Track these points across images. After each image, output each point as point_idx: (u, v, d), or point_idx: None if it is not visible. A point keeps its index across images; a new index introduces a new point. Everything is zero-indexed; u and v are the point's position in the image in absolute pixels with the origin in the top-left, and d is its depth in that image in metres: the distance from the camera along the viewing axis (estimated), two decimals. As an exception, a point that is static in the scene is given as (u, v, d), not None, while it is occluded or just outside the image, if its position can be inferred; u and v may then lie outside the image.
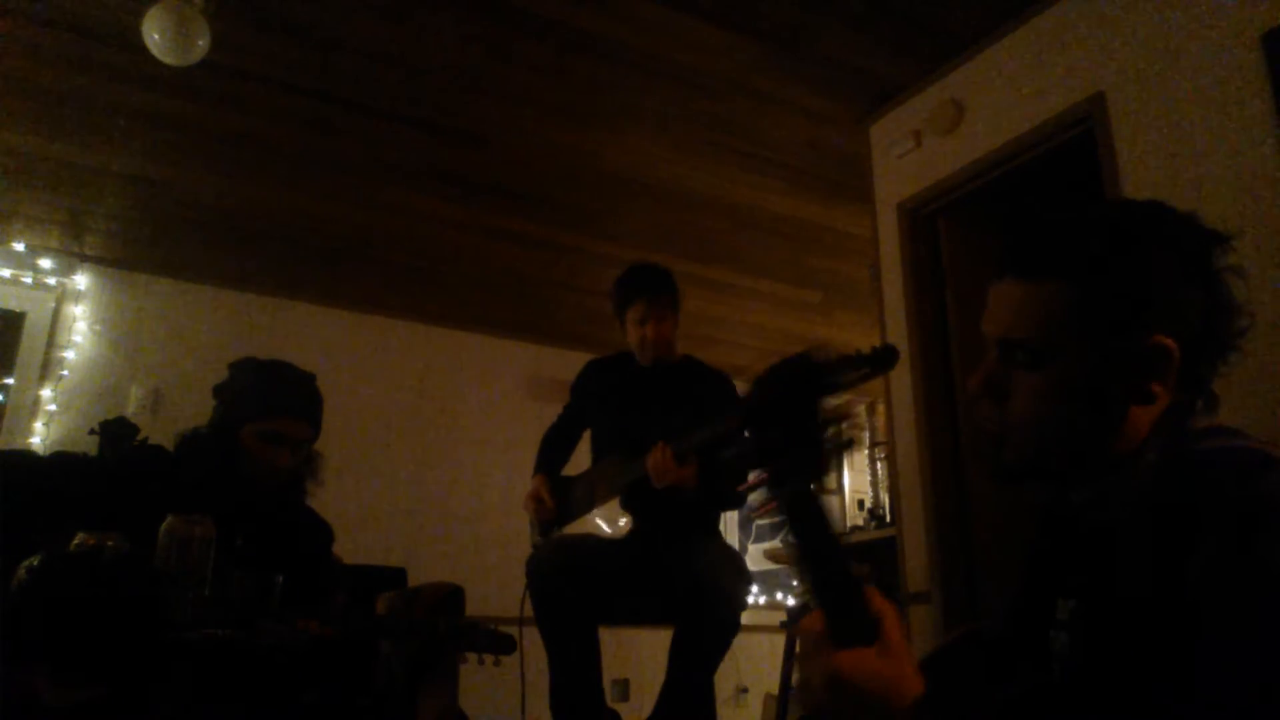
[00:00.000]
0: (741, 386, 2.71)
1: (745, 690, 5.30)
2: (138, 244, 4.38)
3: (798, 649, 0.75)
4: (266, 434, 1.90)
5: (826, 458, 0.75)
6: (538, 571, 2.40)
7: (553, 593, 2.35)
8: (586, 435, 2.80)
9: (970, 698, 0.83)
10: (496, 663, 1.79)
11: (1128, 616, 0.72)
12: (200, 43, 2.71)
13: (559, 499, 2.61)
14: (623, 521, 2.71)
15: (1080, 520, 0.89)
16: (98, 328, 4.46)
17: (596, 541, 2.64)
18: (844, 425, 0.78)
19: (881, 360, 2.03)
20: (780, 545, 5.26)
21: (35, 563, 1.32)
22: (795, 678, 0.80)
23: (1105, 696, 0.72)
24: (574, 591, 2.34)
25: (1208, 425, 0.81)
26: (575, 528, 2.64)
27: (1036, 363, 0.85)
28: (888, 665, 0.67)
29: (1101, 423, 0.84)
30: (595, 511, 2.70)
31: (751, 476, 0.78)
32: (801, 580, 0.77)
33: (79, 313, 4.42)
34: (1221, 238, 0.87)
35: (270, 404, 1.92)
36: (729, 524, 5.65)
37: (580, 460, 2.80)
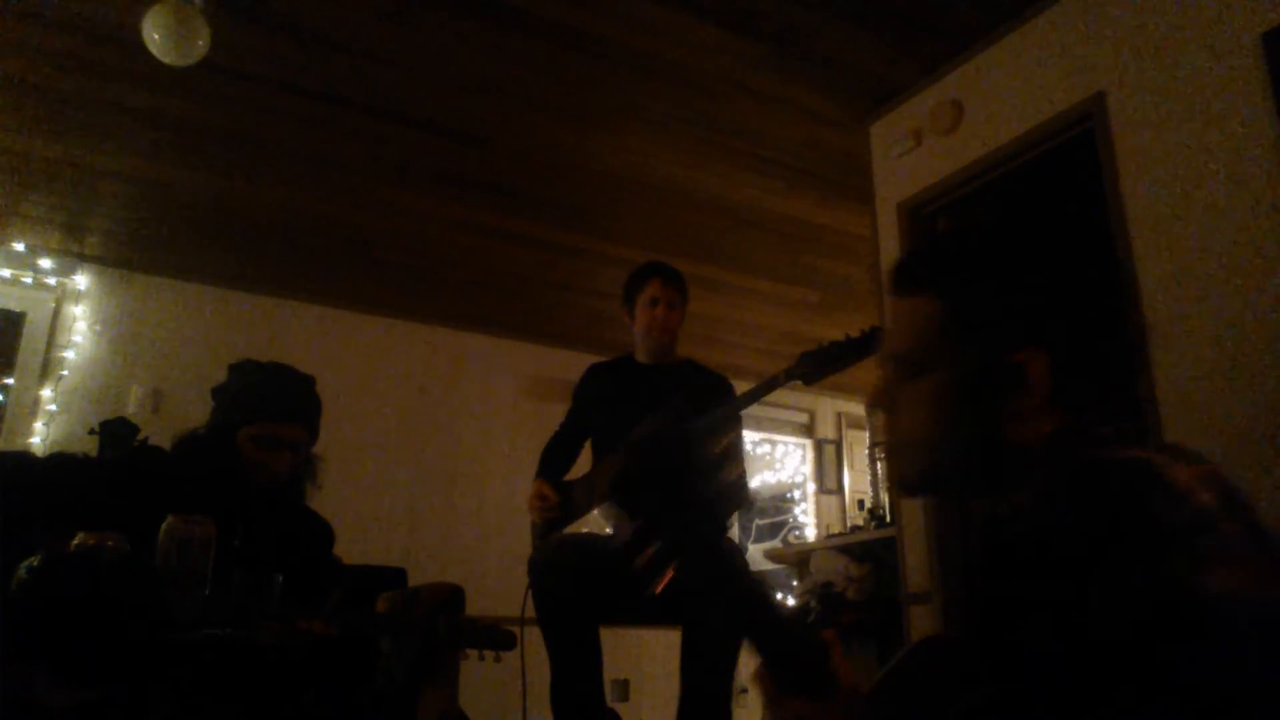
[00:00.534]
0: (739, 387, 2.71)
1: (745, 690, 5.30)
2: (138, 244, 4.38)
3: (763, 703, 0.78)
4: (262, 439, 1.89)
5: (717, 516, 0.77)
6: (540, 571, 2.40)
7: (554, 592, 2.35)
8: (588, 445, 2.80)
9: (924, 710, 0.83)
10: (497, 659, 1.79)
11: (1028, 639, 0.71)
12: (200, 43, 2.71)
13: (561, 500, 2.62)
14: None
15: (995, 532, 0.89)
16: (98, 328, 4.46)
17: (598, 540, 2.64)
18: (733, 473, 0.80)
19: (868, 341, 2.06)
20: (780, 545, 5.26)
21: (35, 563, 1.32)
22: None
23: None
24: (575, 591, 2.34)
25: (1101, 434, 0.81)
26: (575, 527, 2.64)
27: (913, 374, 0.88)
28: (833, 715, 0.69)
29: (974, 433, 0.85)
30: (596, 511, 2.70)
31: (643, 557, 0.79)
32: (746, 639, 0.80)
33: (79, 313, 4.42)
34: (1103, 253, 0.89)
35: (267, 408, 1.91)
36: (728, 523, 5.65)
37: (582, 466, 2.80)
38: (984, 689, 0.71)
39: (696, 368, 2.70)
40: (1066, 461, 0.78)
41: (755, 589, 0.77)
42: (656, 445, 2.31)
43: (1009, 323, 0.84)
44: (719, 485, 2.34)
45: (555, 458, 2.79)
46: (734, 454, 2.45)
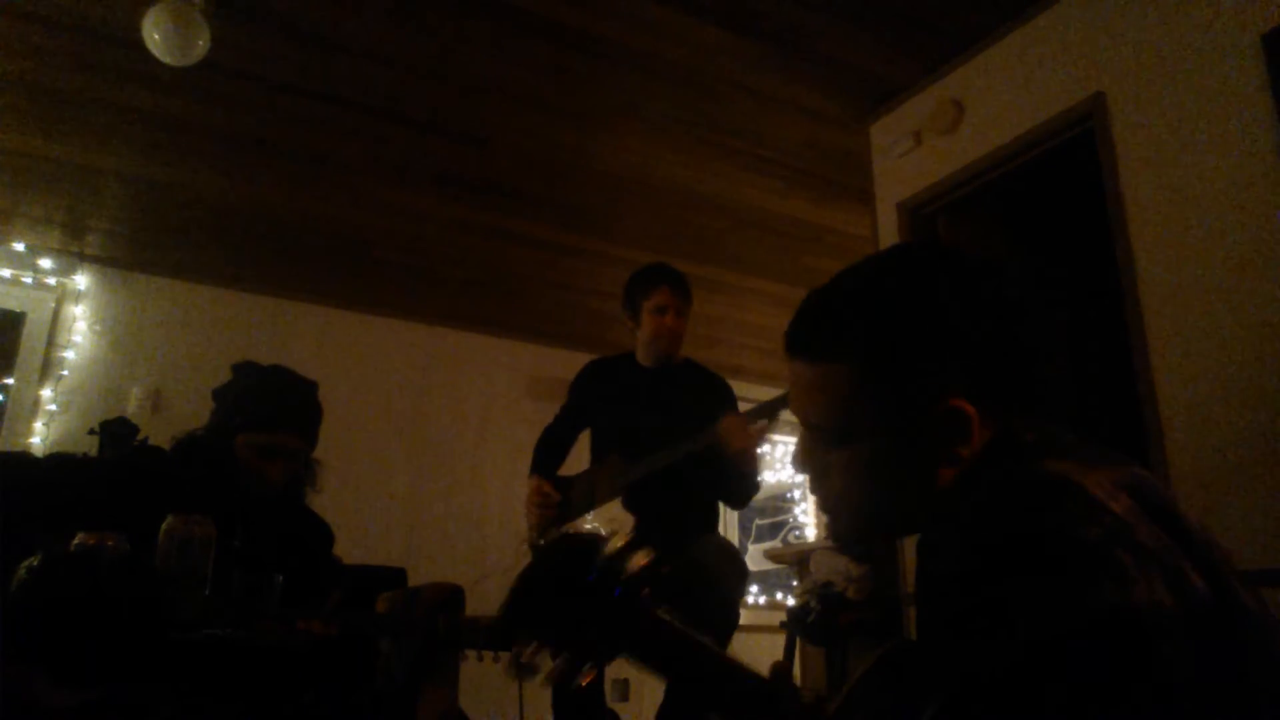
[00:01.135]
0: (739, 387, 2.71)
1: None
2: (138, 244, 4.38)
3: None
4: (259, 446, 1.88)
5: (621, 624, 0.77)
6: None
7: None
8: (584, 438, 2.80)
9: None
10: (496, 659, 1.79)
11: (958, 662, 0.71)
12: (200, 43, 2.71)
13: (559, 497, 2.62)
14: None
15: (926, 561, 0.89)
16: (98, 328, 4.46)
17: (598, 539, 2.64)
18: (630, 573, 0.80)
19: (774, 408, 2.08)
20: (780, 545, 5.26)
21: (35, 563, 1.32)
22: None
23: None
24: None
25: (1035, 441, 0.79)
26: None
27: (839, 443, 0.85)
28: None
29: (913, 489, 0.83)
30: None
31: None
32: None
33: (79, 313, 4.42)
34: (992, 269, 0.84)
35: (264, 416, 1.90)
36: (728, 524, 5.65)
37: (577, 463, 2.80)
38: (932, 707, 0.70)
39: (697, 370, 2.70)
40: (989, 480, 0.77)
41: (697, 654, 0.77)
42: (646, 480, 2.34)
43: (930, 374, 0.80)
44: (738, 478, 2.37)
45: (549, 453, 2.79)
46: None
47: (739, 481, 2.41)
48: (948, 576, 0.75)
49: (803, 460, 0.90)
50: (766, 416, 2.32)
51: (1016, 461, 0.77)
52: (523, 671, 0.77)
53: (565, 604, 0.78)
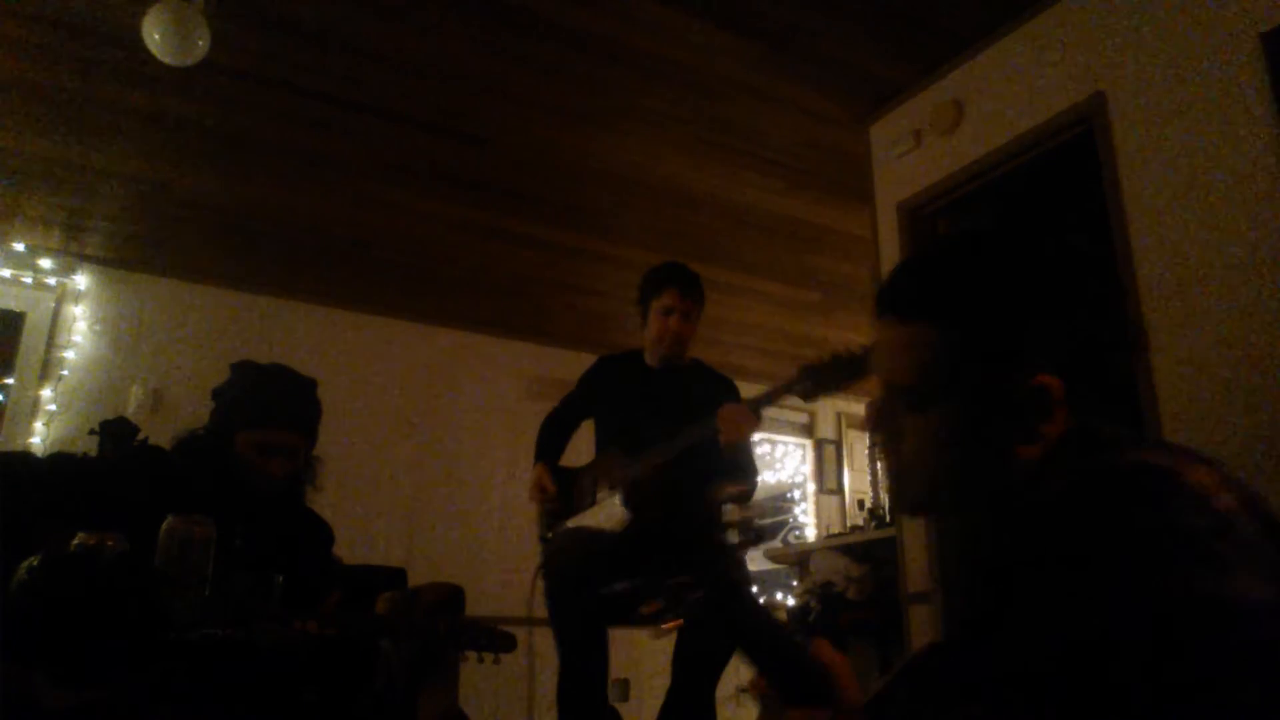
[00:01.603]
0: (739, 387, 2.71)
1: (745, 690, 5.30)
2: (138, 244, 4.38)
3: (758, 710, 0.76)
4: (259, 444, 1.89)
5: (732, 561, 0.76)
6: (558, 562, 2.39)
7: (573, 582, 2.34)
8: (586, 428, 2.81)
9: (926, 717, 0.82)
10: (496, 661, 1.79)
11: (1034, 646, 0.70)
12: (200, 43, 2.71)
13: (562, 489, 2.62)
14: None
15: (998, 546, 0.88)
16: (98, 328, 4.46)
17: (605, 537, 2.65)
18: (754, 519, 0.79)
19: (812, 377, 2.06)
20: (780, 545, 5.26)
21: (35, 563, 1.32)
22: None
23: None
24: (593, 583, 2.34)
25: (1108, 436, 0.79)
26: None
27: (919, 407, 0.84)
28: None
29: (990, 463, 0.82)
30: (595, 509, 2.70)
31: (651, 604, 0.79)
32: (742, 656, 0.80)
33: (79, 313, 4.42)
34: (1098, 261, 0.84)
35: (264, 414, 1.90)
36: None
37: (579, 456, 2.80)
38: (984, 699, 0.70)
39: (703, 371, 2.69)
40: (1082, 466, 0.77)
41: (756, 609, 0.77)
42: (658, 495, 2.34)
43: (1023, 348, 0.79)
44: (728, 493, 2.35)
45: (553, 436, 2.81)
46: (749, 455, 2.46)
47: (734, 473, 2.40)
48: (1037, 559, 0.74)
49: (878, 422, 0.88)
50: (765, 406, 2.32)
51: (1106, 448, 0.77)
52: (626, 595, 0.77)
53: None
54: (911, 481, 0.88)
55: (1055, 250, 0.84)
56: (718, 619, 2.21)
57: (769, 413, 2.44)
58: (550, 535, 2.62)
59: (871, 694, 0.84)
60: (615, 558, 2.49)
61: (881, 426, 0.88)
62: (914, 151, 3.20)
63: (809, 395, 2.13)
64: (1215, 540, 0.65)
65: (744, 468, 2.42)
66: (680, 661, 2.31)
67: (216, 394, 1.98)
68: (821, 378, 2.10)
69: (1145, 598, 0.64)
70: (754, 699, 0.81)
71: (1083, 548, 0.69)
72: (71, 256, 4.42)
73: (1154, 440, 0.78)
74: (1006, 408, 0.80)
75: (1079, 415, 0.81)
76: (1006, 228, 0.89)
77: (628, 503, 2.67)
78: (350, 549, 2.34)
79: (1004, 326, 0.80)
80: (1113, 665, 0.63)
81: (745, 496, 2.51)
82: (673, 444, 2.38)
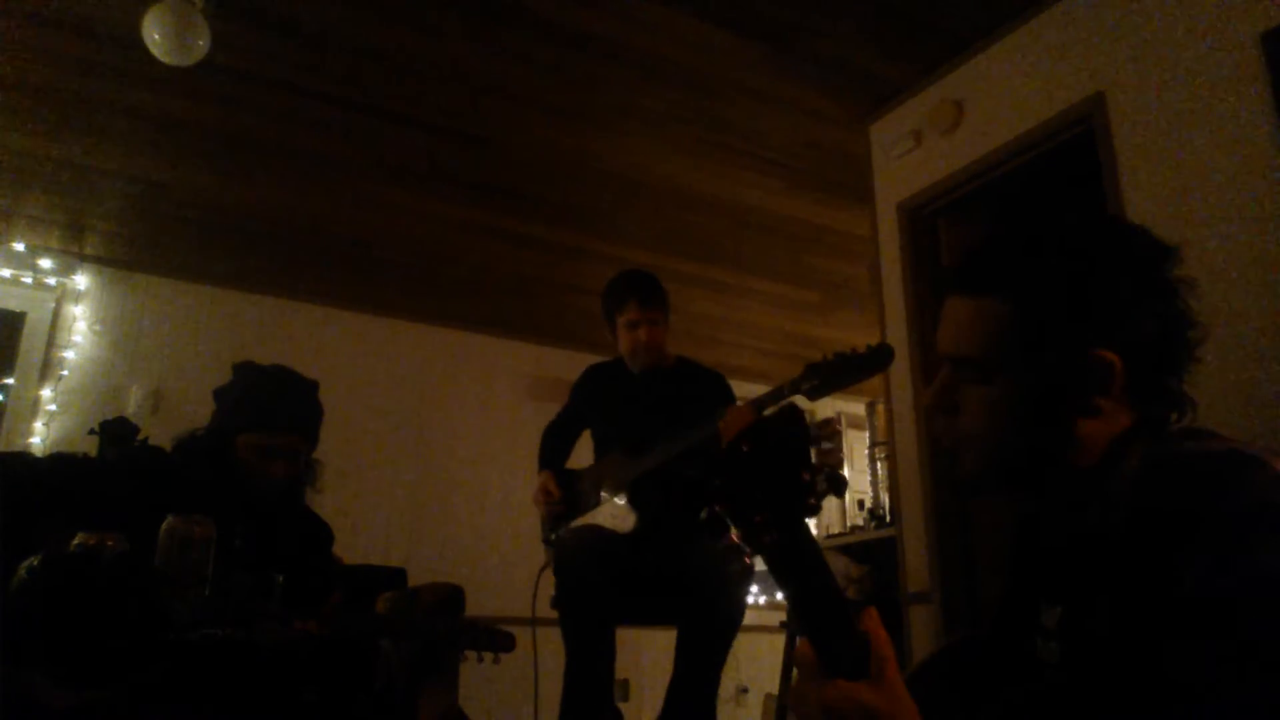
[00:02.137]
0: (739, 386, 2.71)
1: (746, 690, 5.30)
2: (138, 244, 4.38)
3: (794, 676, 0.75)
4: (259, 446, 1.88)
5: (809, 507, 0.74)
6: (569, 559, 2.39)
7: (584, 578, 2.34)
8: (586, 435, 2.82)
9: (959, 710, 0.82)
10: (496, 661, 1.79)
11: (1122, 624, 0.71)
12: (200, 43, 2.71)
13: (566, 492, 2.63)
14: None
15: (1058, 528, 0.88)
16: (98, 328, 4.46)
17: (611, 536, 2.65)
18: (827, 470, 0.77)
19: (877, 358, 2.05)
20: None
21: (35, 563, 1.32)
22: (791, 701, 0.79)
23: (1104, 705, 0.72)
24: (602, 580, 2.34)
25: (1185, 428, 0.81)
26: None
27: (982, 378, 0.86)
28: (880, 698, 0.67)
29: (1048, 436, 0.84)
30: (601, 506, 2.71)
31: (733, 534, 0.77)
32: (790, 611, 0.79)
33: (79, 313, 4.42)
34: (1169, 250, 0.87)
35: (264, 416, 1.90)
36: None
37: (580, 458, 2.80)
38: (1038, 681, 0.70)
39: (690, 369, 2.69)
40: (1161, 452, 0.78)
41: (824, 574, 0.75)
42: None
43: (1088, 323, 0.82)
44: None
45: (556, 445, 2.81)
46: None
47: None
48: (1119, 539, 0.75)
49: (939, 395, 0.91)
50: (768, 407, 2.31)
51: (1197, 440, 0.78)
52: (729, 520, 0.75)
53: (781, 469, 0.74)
54: (969, 454, 0.89)
55: (1123, 234, 0.87)
56: (720, 602, 2.20)
57: (771, 412, 2.43)
58: (554, 537, 2.62)
59: (912, 672, 0.84)
60: (626, 558, 2.49)
61: (942, 400, 0.90)
62: (914, 151, 3.20)
63: (815, 394, 2.12)
64: None
65: None
66: (683, 650, 2.31)
67: (218, 395, 1.98)
68: (827, 377, 2.09)
69: (1237, 573, 0.65)
70: (795, 663, 0.80)
71: (1170, 528, 0.70)
72: (71, 256, 4.42)
73: (1223, 436, 0.80)
74: (1066, 378, 0.82)
75: (1148, 409, 0.83)
76: (1077, 212, 0.91)
77: (633, 503, 2.67)
78: (350, 549, 2.34)
79: (1067, 300, 0.83)
80: (1200, 641, 0.64)
81: None
82: (673, 445, 2.37)
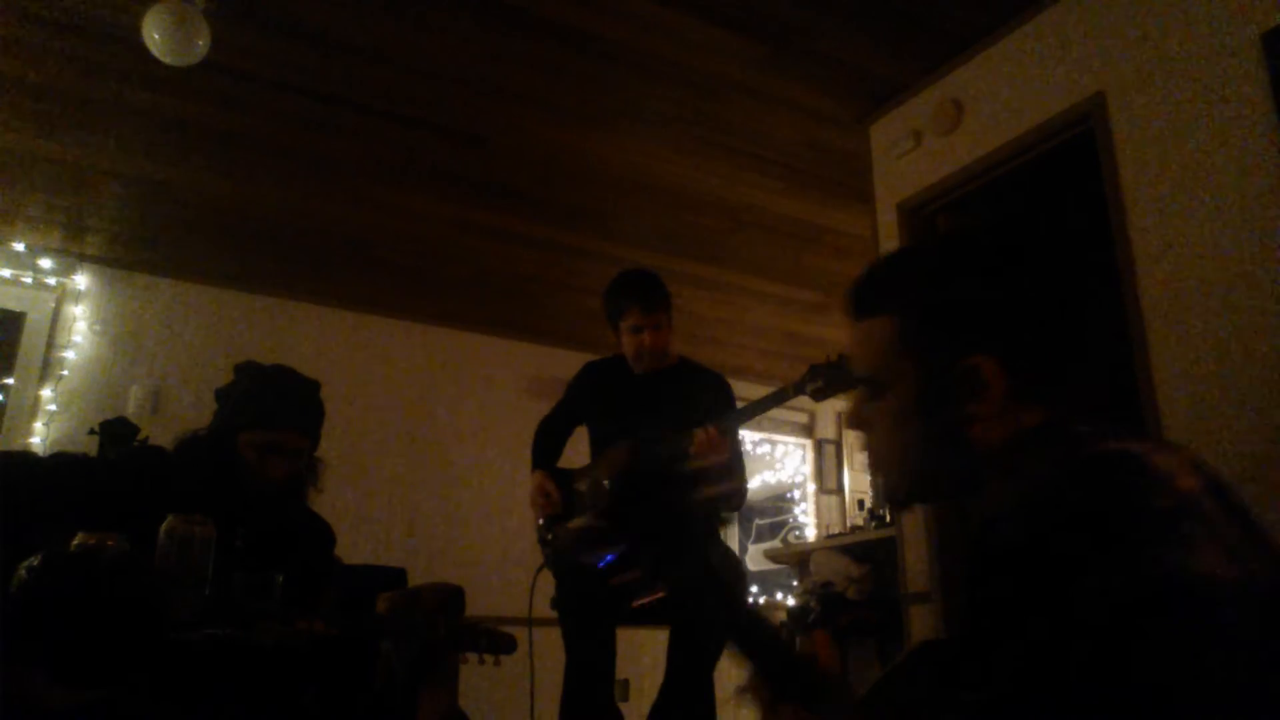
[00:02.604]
0: (739, 386, 2.71)
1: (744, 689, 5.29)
2: (138, 244, 4.38)
3: (759, 711, 0.79)
4: (260, 444, 1.88)
5: (700, 542, 0.77)
6: (568, 560, 2.39)
7: (584, 580, 2.34)
8: (581, 432, 2.80)
9: (920, 714, 0.83)
10: (497, 663, 1.79)
11: (1024, 635, 0.71)
12: (200, 43, 2.71)
13: (563, 492, 2.62)
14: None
15: (984, 535, 0.89)
16: (98, 328, 4.46)
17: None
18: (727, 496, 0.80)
19: (836, 371, 2.05)
20: (780, 545, 5.26)
21: (35, 563, 1.32)
22: None
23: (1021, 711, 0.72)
24: (601, 580, 2.34)
25: (1088, 431, 0.81)
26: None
27: (877, 394, 0.91)
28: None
29: (937, 446, 0.88)
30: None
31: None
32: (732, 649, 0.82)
33: (79, 313, 4.42)
34: (1045, 253, 0.89)
35: (266, 415, 1.90)
36: (729, 525, 5.64)
37: (577, 458, 2.80)
38: (978, 694, 0.71)
39: (691, 368, 2.69)
40: (1047, 459, 0.79)
41: (742, 604, 0.78)
42: (638, 471, 2.33)
43: (957, 331, 0.86)
44: (709, 495, 2.33)
45: (549, 444, 2.80)
46: (734, 463, 2.43)
47: (716, 493, 2.37)
48: (1009, 550, 0.76)
49: (850, 415, 0.97)
50: (738, 425, 2.30)
51: (1079, 439, 0.80)
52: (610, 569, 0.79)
53: (658, 513, 0.78)
54: (886, 471, 0.94)
55: (998, 249, 0.89)
56: (707, 603, 2.21)
57: (769, 412, 2.42)
58: (551, 537, 2.62)
59: (869, 689, 0.85)
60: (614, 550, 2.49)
61: (853, 420, 0.96)
62: (914, 151, 3.20)
63: (819, 396, 2.13)
64: (1179, 520, 0.67)
65: (722, 490, 2.35)
66: (675, 652, 2.31)
67: (220, 395, 1.98)
68: (831, 379, 2.10)
69: (1111, 578, 0.65)
70: (748, 700, 0.82)
71: (1053, 535, 0.71)
72: (71, 256, 4.42)
73: (1127, 431, 0.80)
74: (942, 390, 0.86)
75: (1053, 408, 0.84)
76: (964, 227, 0.94)
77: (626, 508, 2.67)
78: (350, 549, 2.34)
79: (938, 312, 0.87)
80: (1083, 646, 0.64)
81: (735, 500, 2.50)
82: (668, 446, 2.36)
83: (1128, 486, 0.71)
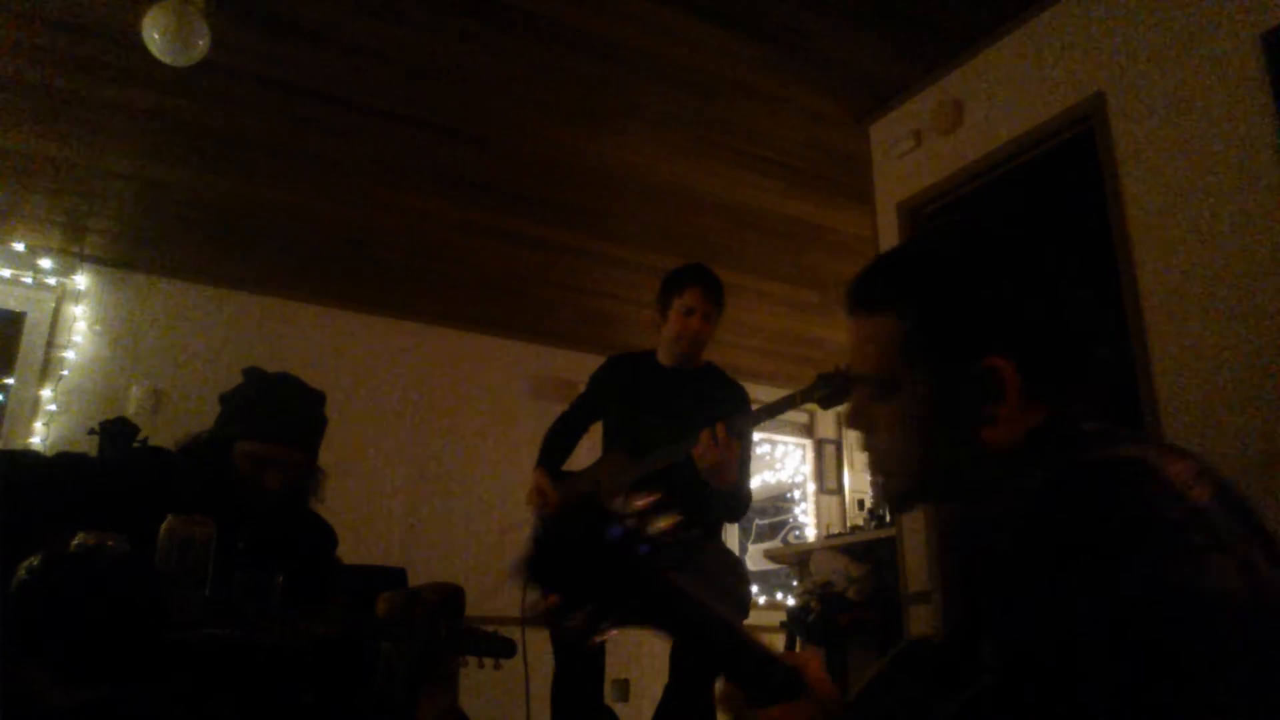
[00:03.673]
0: (743, 386, 2.70)
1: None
2: (138, 244, 4.38)
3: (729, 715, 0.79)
4: (254, 455, 1.86)
5: (649, 575, 0.77)
6: None
7: None
8: (594, 431, 2.79)
9: (907, 713, 0.83)
10: (497, 666, 1.79)
11: (1014, 642, 0.71)
12: (200, 43, 2.71)
13: (561, 494, 2.62)
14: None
15: (991, 537, 0.89)
16: (98, 328, 4.46)
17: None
18: (676, 524, 0.79)
19: (845, 380, 2.06)
20: (780, 545, 5.26)
21: (35, 563, 1.32)
22: None
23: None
24: None
25: (1096, 431, 0.80)
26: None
27: (884, 395, 0.88)
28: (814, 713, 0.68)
29: (950, 449, 0.85)
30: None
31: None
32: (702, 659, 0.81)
33: (79, 313, 4.42)
34: (1051, 249, 0.87)
35: (261, 427, 1.87)
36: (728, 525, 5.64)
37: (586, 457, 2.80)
38: (968, 692, 0.70)
39: (717, 375, 2.67)
40: (1054, 462, 0.78)
41: (707, 619, 0.78)
42: (637, 478, 2.32)
43: (973, 332, 0.83)
44: (708, 502, 2.33)
45: (557, 445, 2.78)
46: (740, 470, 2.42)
47: (718, 497, 2.37)
48: (1015, 554, 0.75)
49: (853, 416, 0.92)
50: (747, 428, 2.29)
51: (1088, 442, 0.78)
52: (541, 620, 0.77)
53: (587, 558, 0.77)
54: (887, 472, 0.91)
55: (1012, 245, 0.87)
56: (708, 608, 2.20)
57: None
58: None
59: (857, 689, 0.85)
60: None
61: (857, 421, 0.92)
62: (914, 151, 3.20)
63: (826, 404, 2.13)
64: (1189, 532, 0.66)
65: (724, 495, 2.33)
66: (678, 657, 2.31)
67: (224, 399, 1.96)
68: (839, 387, 2.09)
69: (1119, 589, 0.64)
70: (725, 711, 0.82)
71: (1059, 541, 0.70)
72: (71, 256, 4.42)
73: (1136, 434, 0.79)
74: (957, 391, 0.83)
75: (1059, 406, 0.82)
76: (969, 222, 0.92)
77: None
78: (350, 549, 2.34)
79: (951, 311, 0.84)
80: (1087, 657, 0.63)
81: (738, 508, 2.50)
82: (671, 452, 2.35)
83: (1137, 496, 0.69)
